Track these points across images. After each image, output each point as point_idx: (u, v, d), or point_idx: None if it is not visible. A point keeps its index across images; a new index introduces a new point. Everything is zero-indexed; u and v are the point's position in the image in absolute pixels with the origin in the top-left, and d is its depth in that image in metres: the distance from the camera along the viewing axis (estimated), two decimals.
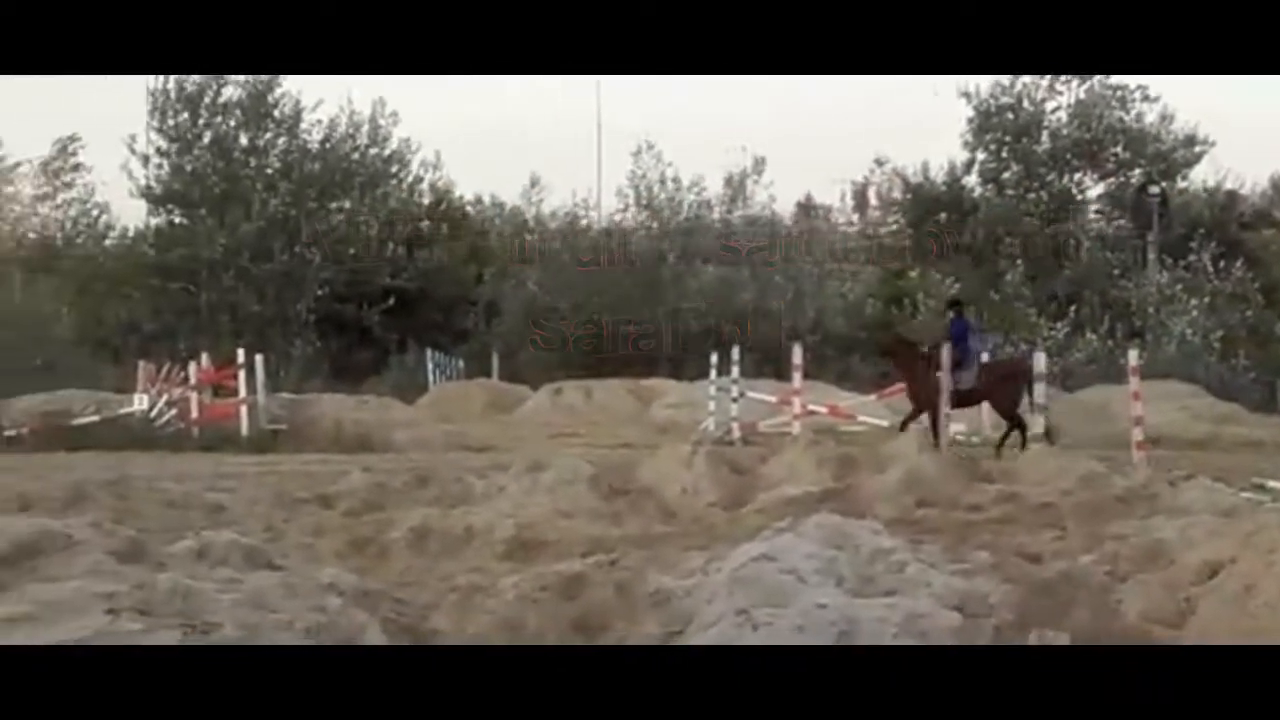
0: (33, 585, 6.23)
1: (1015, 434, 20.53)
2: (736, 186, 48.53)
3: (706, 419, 25.38)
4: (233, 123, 45.21)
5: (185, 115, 44.82)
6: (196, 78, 44.26)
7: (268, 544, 9.32)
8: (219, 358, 27.69)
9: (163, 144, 45.11)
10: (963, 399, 21.75)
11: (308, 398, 29.94)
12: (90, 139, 58.30)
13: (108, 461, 19.37)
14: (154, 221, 46.49)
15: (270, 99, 45.51)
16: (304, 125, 46.38)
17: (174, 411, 25.51)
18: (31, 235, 54.65)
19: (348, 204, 46.10)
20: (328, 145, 46.53)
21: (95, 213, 54.06)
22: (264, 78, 44.80)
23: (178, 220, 45.58)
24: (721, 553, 8.48)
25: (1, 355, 40.11)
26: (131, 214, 50.67)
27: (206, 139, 45.02)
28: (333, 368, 40.12)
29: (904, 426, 21.10)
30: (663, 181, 48.14)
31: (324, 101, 46.27)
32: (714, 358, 25.88)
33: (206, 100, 44.86)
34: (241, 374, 25.30)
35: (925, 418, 20.79)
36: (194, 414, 25.31)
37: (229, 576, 7.04)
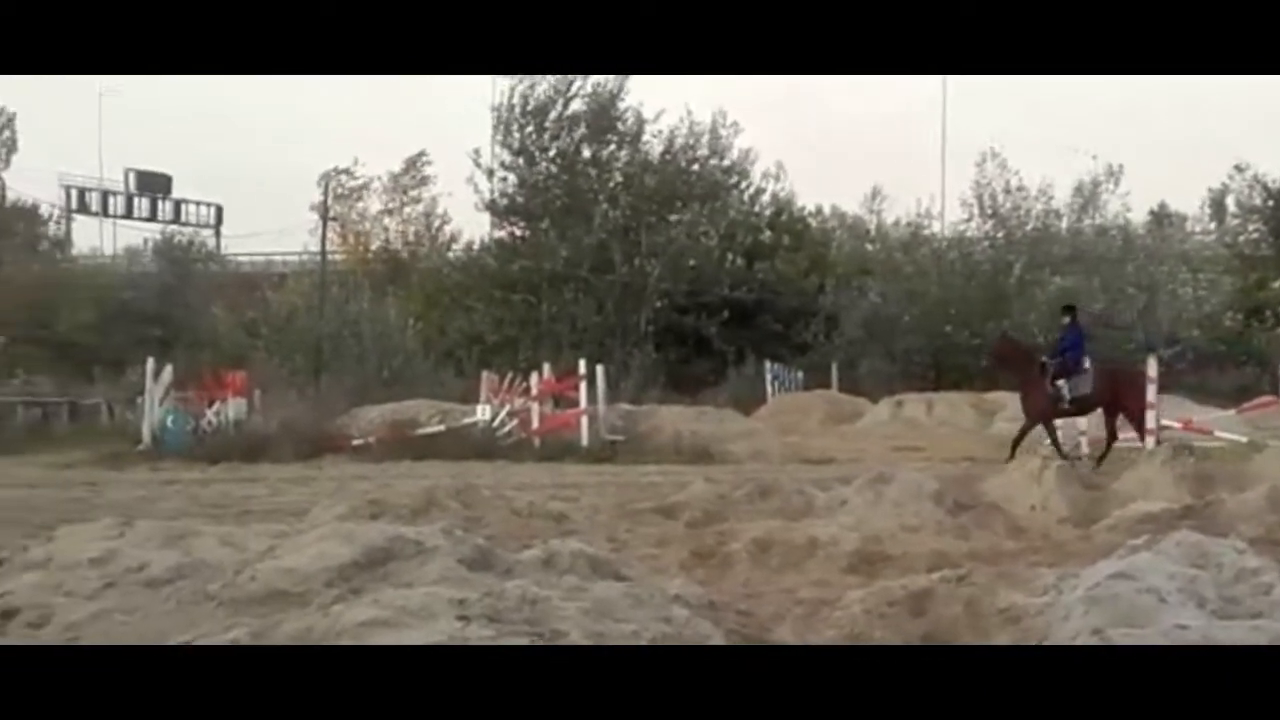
0: (386, 590, 6.28)
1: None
2: (1088, 195, 47.29)
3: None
4: (576, 136, 45.91)
5: (530, 129, 45.73)
6: (541, 93, 45.11)
7: (612, 554, 9.27)
8: (559, 368, 28.08)
9: (507, 158, 46.18)
10: (1079, 406, 21.48)
11: (646, 408, 30.11)
12: (436, 154, 60.20)
13: (453, 470, 19.79)
14: (497, 234, 47.58)
15: (613, 112, 46.06)
16: (645, 137, 46.83)
17: (515, 422, 25.91)
18: (379, 249, 56.59)
19: (687, 215, 46.32)
20: (668, 157, 46.88)
21: (439, 226, 55.94)
22: (609, 91, 45.39)
23: (520, 233, 46.51)
24: (1074, 570, 8.10)
25: (351, 366, 41.63)
26: (473, 227, 52.15)
27: (550, 152, 45.80)
28: (670, 378, 40.36)
29: (1014, 447, 20.62)
30: (1008, 190, 47.26)
31: (665, 112, 46.68)
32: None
33: (551, 114, 45.68)
34: (582, 385, 25.57)
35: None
36: (535, 424, 25.67)
37: (575, 585, 7.00)
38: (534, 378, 26.64)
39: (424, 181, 58.48)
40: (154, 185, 72.94)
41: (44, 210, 64.64)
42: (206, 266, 61.29)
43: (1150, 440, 20.69)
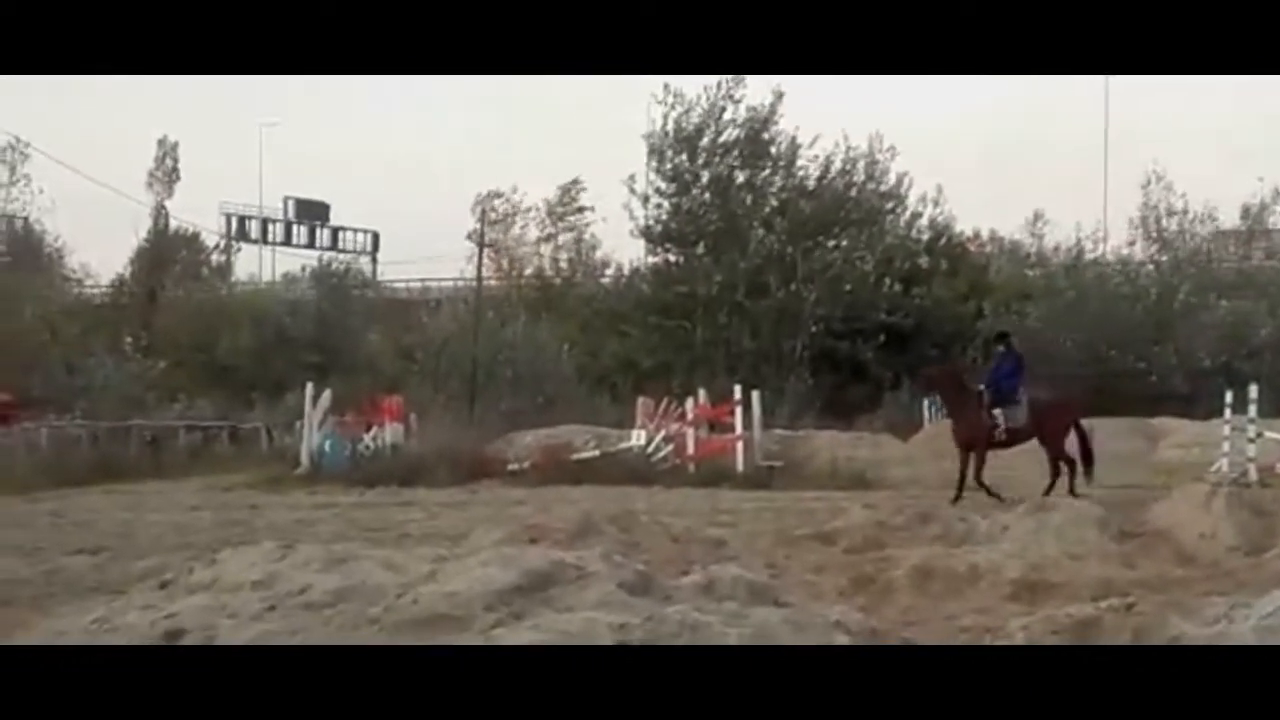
0: (547, 614, 6.26)
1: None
2: (1255, 216, 46.34)
3: (1219, 459, 24.05)
4: (730, 162, 45.89)
5: (684, 156, 45.81)
6: (695, 119, 45.18)
7: (771, 580, 9.18)
8: (714, 394, 28.02)
9: (662, 184, 46.24)
10: (1012, 438, 20.72)
11: (802, 434, 29.97)
12: (591, 181, 60.59)
13: (608, 495, 19.80)
14: (651, 260, 47.71)
15: (766, 136, 45.98)
16: (800, 162, 46.66)
17: (670, 447, 25.89)
18: (534, 274, 57.05)
19: (844, 240, 46.08)
20: (824, 182, 46.67)
21: (593, 252, 56.26)
22: (761, 116, 45.36)
23: (675, 258, 46.57)
24: (1246, 599, 7.85)
25: (506, 391, 41.93)
26: (626, 252, 52.31)
27: (704, 178, 45.82)
28: (826, 404, 40.09)
29: (961, 483, 20.05)
30: (1173, 212, 46.43)
31: (820, 137, 46.49)
32: (1228, 396, 24.52)
33: (704, 141, 45.71)
34: (738, 410, 25.49)
35: None
36: (690, 450, 25.63)
37: (734, 611, 6.94)
38: (689, 403, 26.62)
39: (579, 209, 58.92)
40: (312, 213, 74.27)
41: (205, 238, 66.05)
42: (363, 293, 62.25)
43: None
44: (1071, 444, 20.81)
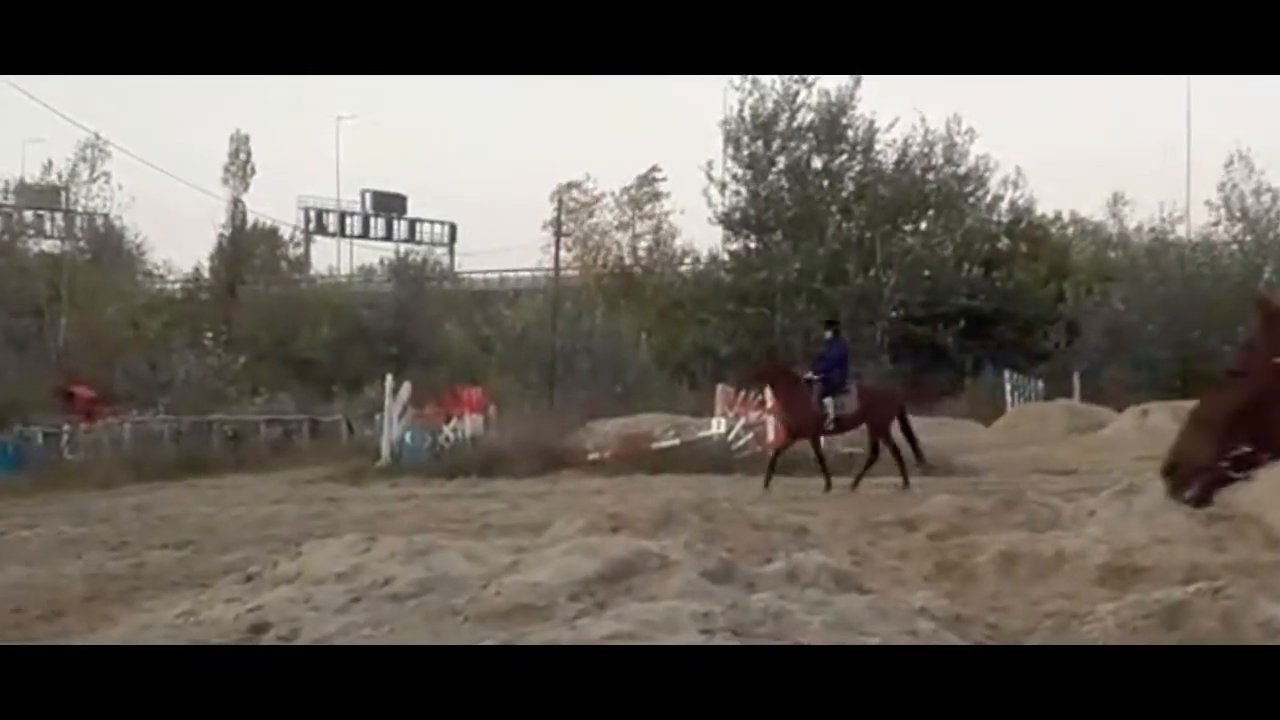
0: (630, 604, 6.23)
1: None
2: None
3: None
4: (806, 147, 45.67)
5: (759, 142, 45.64)
6: (771, 105, 45.00)
7: (854, 567, 9.12)
8: None
9: (738, 171, 46.11)
10: (842, 425, 20.94)
11: None
12: (667, 168, 60.48)
13: (688, 483, 19.75)
14: (729, 247, 47.58)
15: (844, 121, 45.72)
16: (878, 147, 46.38)
17: (751, 435, 25.81)
18: (612, 264, 57.04)
19: (923, 225, 45.78)
20: (901, 166, 46.35)
21: (671, 240, 56.19)
22: (837, 101, 45.12)
23: (753, 245, 46.43)
24: None
25: (585, 381, 41.96)
26: (705, 240, 52.11)
27: (781, 164, 45.63)
28: (907, 389, 39.87)
29: (771, 468, 20.31)
30: (1257, 192, 45.81)
31: (898, 121, 46.17)
32: None
33: (780, 127, 45.52)
34: None
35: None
36: (770, 437, 25.53)
37: (818, 599, 6.89)
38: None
39: (657, 196, 58.86)
40: (390, 205, 74.55)
41: (283, 232, 66.49)
42: (441, 284, 62.40)
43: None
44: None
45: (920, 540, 12.31)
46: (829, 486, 19.71)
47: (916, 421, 29.48)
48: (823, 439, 21.29)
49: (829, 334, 22.44)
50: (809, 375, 21.31)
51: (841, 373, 21.15)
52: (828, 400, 20.60)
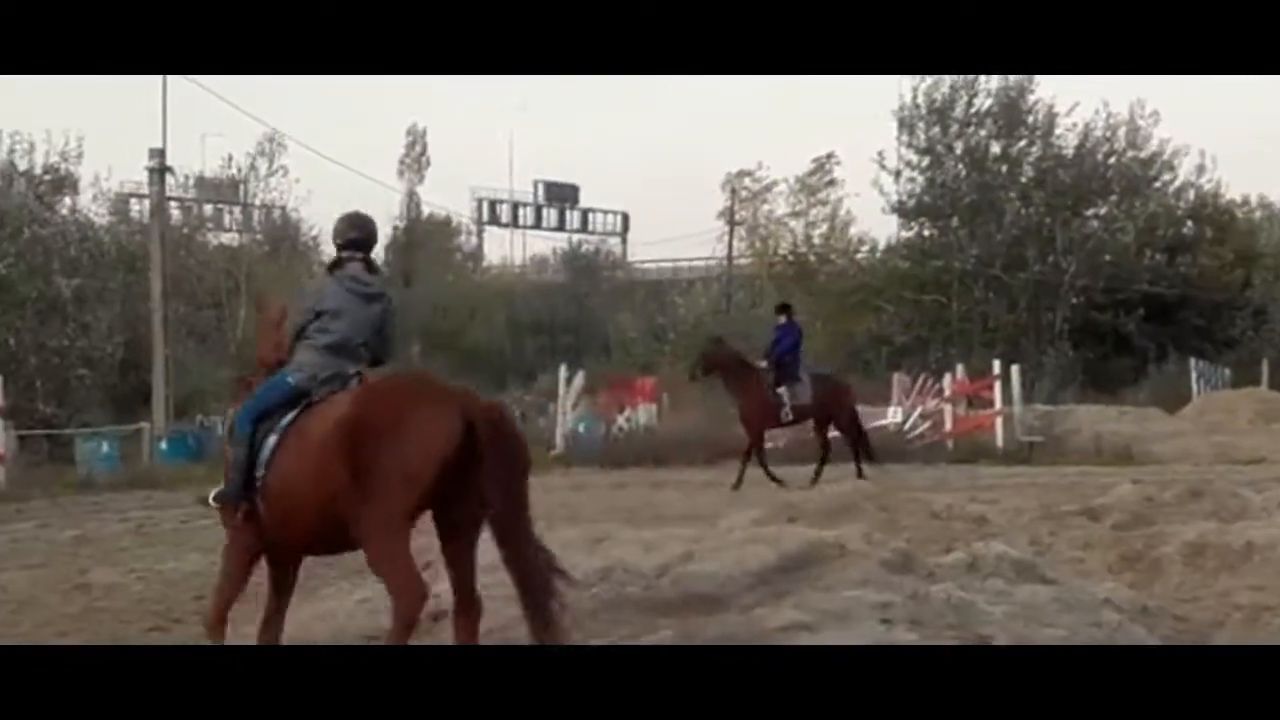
0: (808, 594, 6.18)
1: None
2: None
3: None
4: (984, 133, 45.06)
5: (935, 128, 45.13)
6: (946, 89, 44.51)
7: (1036, 557, 8.97)
8: (971, 369, 27.61)
9: (913, 157, 45.63)
10: (799, 415, 19.93)
11: (1063, 409, 29.37)
12: (843, 155, 60.12)
13: (866, 472, 19.60)
14: (904, 234, 47.16)
15: (1023, 105, 45.03)
16: (1058, 131, 45.56)
17: (928, 424, 25.63)
18: (786, 252, 56.78)
19: (1104, 210, 44.92)
20: (1083, 150, 45.49)
21: (845, 227, 55.81)
22: (1015, 85, 44.44)
23: (929, 232, 45.96)
24: None
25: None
26: (878, 227, 51.66)
27: (958, 150, 45.09)
28: (1088, 377, 39.23)
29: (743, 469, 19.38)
30: None
31: (1079, 105, 45.32)
32: None
33: (956, 112, 44.97)
34: (997, 385, 25.10)
35: None
36: (948, 426, 25.33)
37: (999, 589, 6.83)
38: (946, 379, 26.28)
39: (832, 183, 58.48)
40: (562, 195, 74.97)
41: (456, 222, 67.21)
42: (613, 274, 62.61)
43: None
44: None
45: (1104, 530, 12.11)
46: (738, 485, 19.07)
47: (1096, 409, 29.14)
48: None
49: (781, 318, 21.23)
50: (761, 362, 20.41)
51: (794, 359, 20.23)
52: (781, 390, 19.84)
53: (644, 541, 8.13)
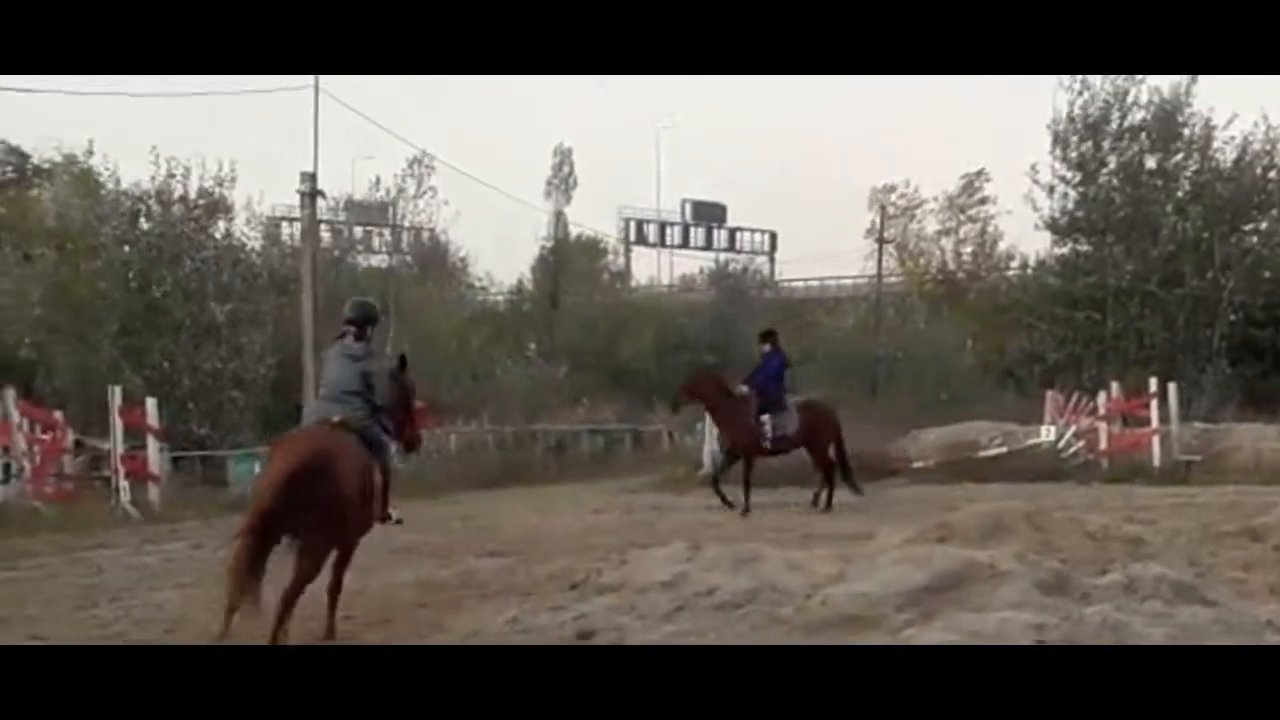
0: (959, 615, 6.08)
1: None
2: None
3: None
4: (1139, 147, 44.35)
5: (1089, 143, 44.50)
6: (1100, 104, 43.87)
7: (1196, 578, 8.75)
8: (1126, 386, 27.16)
9: (1066, 173, 45.00)
10: (780, 445, 19.62)
11: (1222, 427, 28.72)
12: (994, 171, 59.59)
13: (1017, 492, 19.32)
14: (1057, 251, 46.54)
15: (1179, 119, 44.23)
16: (1215, 145, 44.67)
17: (1082, 443, 25.28)
18: (936, 270, 56.42)
19: (1263, 225, 43.98)
20: (1241, 164, 44.55)
21: (995, 244, 55.27)
22: (1171, 98, 43.69)
23: (1083, 248, 45.30)
24: None
25: (907, 388, 41.57)
26: (1029, 244, 50.96)
27: (1112, 165, 44.42)
28: (1247, 395, 38.35)
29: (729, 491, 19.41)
30: None
31: (1237, 118, 44.41)
32: None
33: (1111, 126, 44.31)
34: (1153, 403, 24.67)
35: None
36: (1103, 445, 24.95)
37: (1158, 611, 6.66)
38: (1101, 396, 25.87)
39: (983, 200, 57.99)
40: (710, 214, 75.14)
41: (604, 242, 67.54)
42: (761, 293, 62.46)
43: None
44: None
45: (1266, 551, 11.79)
46: (746, 510, 19.04)
47: (1256, 428, 28.48)
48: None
49: (765, 346, 20.79)
50: (741, 387, 20.14)
51: (779, 387, 19.98)
52: (765, 417, 19.55)
53: (792, 562, 8.07)
